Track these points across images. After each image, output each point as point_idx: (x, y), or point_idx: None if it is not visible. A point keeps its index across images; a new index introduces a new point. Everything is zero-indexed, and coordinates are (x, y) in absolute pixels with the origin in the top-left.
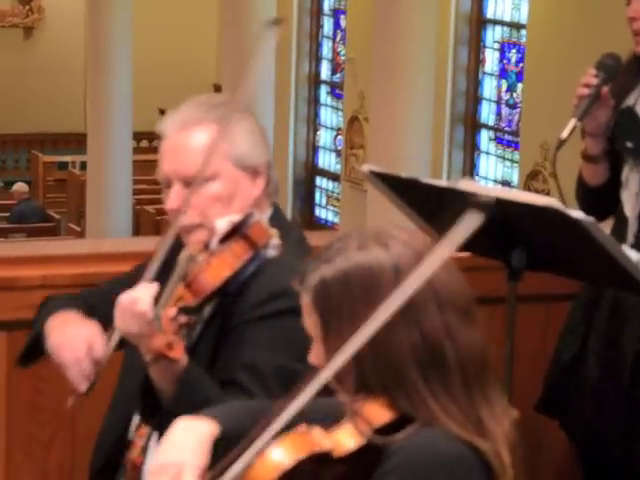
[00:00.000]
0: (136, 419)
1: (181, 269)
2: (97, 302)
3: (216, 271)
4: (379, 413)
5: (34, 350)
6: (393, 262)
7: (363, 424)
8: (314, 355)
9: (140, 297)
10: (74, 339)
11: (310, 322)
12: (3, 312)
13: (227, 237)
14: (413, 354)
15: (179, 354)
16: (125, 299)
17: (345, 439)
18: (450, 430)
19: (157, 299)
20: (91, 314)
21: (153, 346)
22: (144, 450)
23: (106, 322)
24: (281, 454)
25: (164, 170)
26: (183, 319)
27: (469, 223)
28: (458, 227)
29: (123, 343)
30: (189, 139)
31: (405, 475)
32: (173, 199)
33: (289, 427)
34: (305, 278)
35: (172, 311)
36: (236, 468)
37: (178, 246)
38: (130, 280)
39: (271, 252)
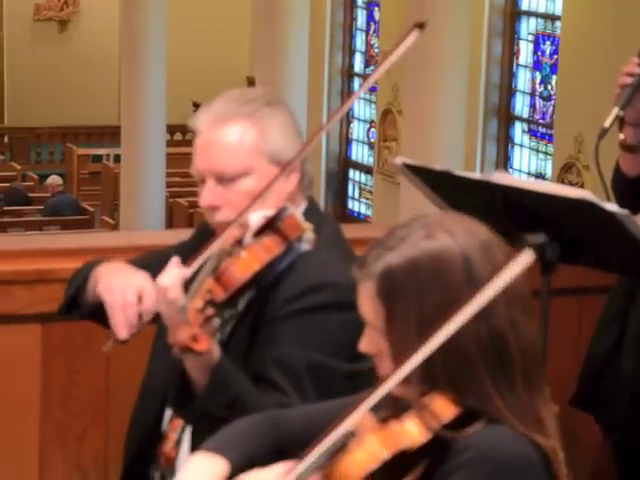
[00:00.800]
0: (169, 411)
1: (212, 263)
2: (151, 262)
3: (245, 265)
4: (447, 407)
5: (75, 303)
6: (461, 250)
7: (431, 418)
8: (367, 342)
9: (170, 285)
10: (126, 284)
11: (369, 310)
12: (37, 304)
13: (261, 231)
14: (480, 348)
15: (204, 347)
16: (159, 282)
17: (414, 433)
18: (515, 428)
19: (186, 290)
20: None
21: (178, 338)
22: (178, 443)
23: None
24: (367, 454)
25: (198, 166)
26: (209, 312)
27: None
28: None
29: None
30: (222, 135)
31: (477, 472)
32: (207, 196)
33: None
34: (366, 265)
35: (199, 303)
36: (311, 460)
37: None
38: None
39: (305, 246)
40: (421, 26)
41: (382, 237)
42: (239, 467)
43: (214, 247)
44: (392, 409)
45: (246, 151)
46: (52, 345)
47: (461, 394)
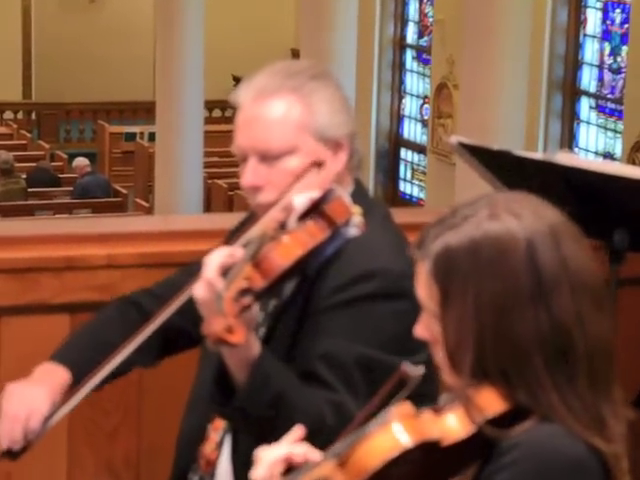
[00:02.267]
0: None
1: (252, 248)
2: (164, 292)
3: (287, 251)
4: (494, 402)
5: None
6: (526, 235)
7: (476, 411)
8: (423, 327)
9: (207, 263)
10: (22, 398)
11: (425, 293)
12: (66, 293)
13: (306, 215)
14: (539, 340)
15: (239, 339)
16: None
17: (454, 426)
18: (571, 428)
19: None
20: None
21: (211, 328)
22: (219, 445)
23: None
24: (391, 441)
25: (239, 143)
26: (246, 301)
27: None
28: None
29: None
30: (265, 110)
31: (524, 471)
32: (249, 175)
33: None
34: (424, 243)
35: (235, 291)
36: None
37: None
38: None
39: (353, 231)
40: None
41: (444, 214)
42: None
43: (254, 231)
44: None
45: (291, 127)
46: None
47: (513, 388)
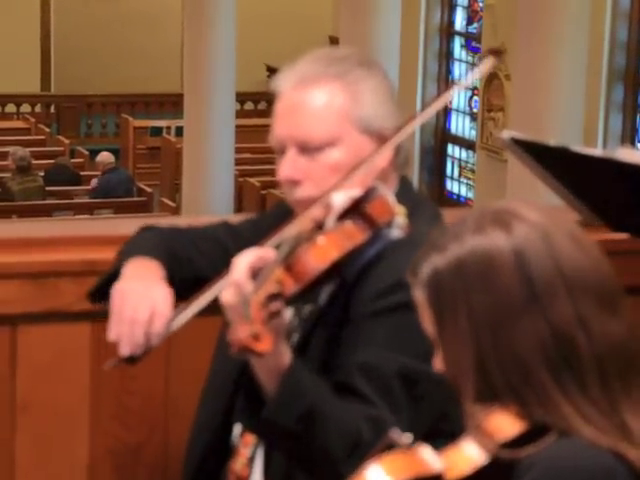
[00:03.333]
0: (239, 424)
1: (285, 249)
2: (207, 249)
3: (322, 253)
4: (507, 424)
5: (107, 287)
6: (514, 244)
7: (487, 438)
8: (437, 361)
9: (236, 264)
10: (142, 296)
11: (427, 322)
12: (85, 300)
13: (345, 214)
14: (541, 350)
15: (265, 348)
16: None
17: (463, 457)
18: (591, 438)
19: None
20: (189, 266)
21: (236, 335)
22: (250, 461)
23: (201, 278)
24: (379, 476)
25: (278, 133)
26: (275, 307)
27: None
28: None
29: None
30: (307, 98)
31: None
32: (287, 167)
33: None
34: (418, 269)
35: (263, 296)
36: None
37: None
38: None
39: (396, 233)
40: (497, 54)
41: (435, 237)
42: None
43: (289, 230)
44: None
45: (334, 117)
46: (103, 347)
47: (524, 405)
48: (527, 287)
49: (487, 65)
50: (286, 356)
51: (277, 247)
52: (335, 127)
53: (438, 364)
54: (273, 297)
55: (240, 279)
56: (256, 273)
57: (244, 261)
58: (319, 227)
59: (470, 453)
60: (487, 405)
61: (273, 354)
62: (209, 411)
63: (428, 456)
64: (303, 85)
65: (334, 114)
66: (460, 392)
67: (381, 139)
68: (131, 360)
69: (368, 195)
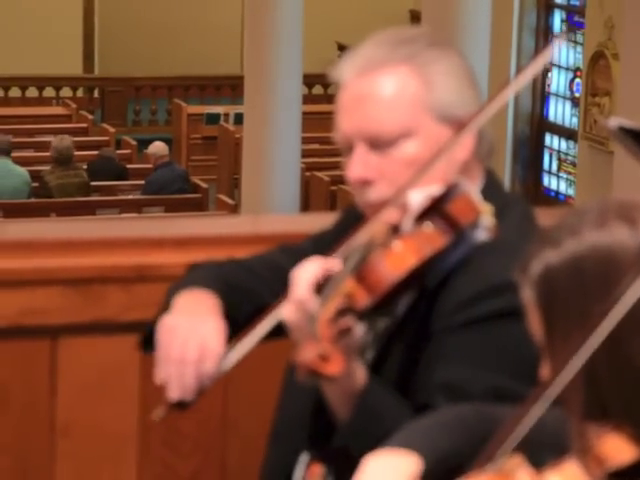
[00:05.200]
0: (305, 455)
1: (356, 257)
2: (244, 282)
3: (398, 260)
4: (619, 449)
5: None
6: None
7: (595, 463)
8: (544, 368)
9: (298, 284)
10: (191, 333)
11: (535, 324)
12: (136, 309)
13: (424, 215)
14: None
15: (336, 370)
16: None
17: None
18: None
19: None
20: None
21: (302, 357)
22: None
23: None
24: None
25: (343, 129)
26: (346, 323)
27: None
28: None
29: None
30: (373, 87)
31: None
32: (357, 167)
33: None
34: (527, 266)
35: (332, 311)
36: None
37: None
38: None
39: (482, 234)
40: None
41: (550, 229)
42: (435, 465)
43: (360, 236)
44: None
45: (407, 106)
46: (154, 362)
47: None
48: None
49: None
50: (360, 377)
51: (347, 257)
52: (408, 117)
53: (545, 372)
54: (344, 312)
55: (302, 295)
56: (321, 287)
57: (305, 274)
58: (395, 231)
59: (574, 478)
60: (597, 423)
61: (345, 376)
62: (280, 452)
63: (525, 478)
64: (368, 72)
65: (406, 102)
66: (567, 407)
67: (461, 128)
68: (182, 406)
69: (449, 192)
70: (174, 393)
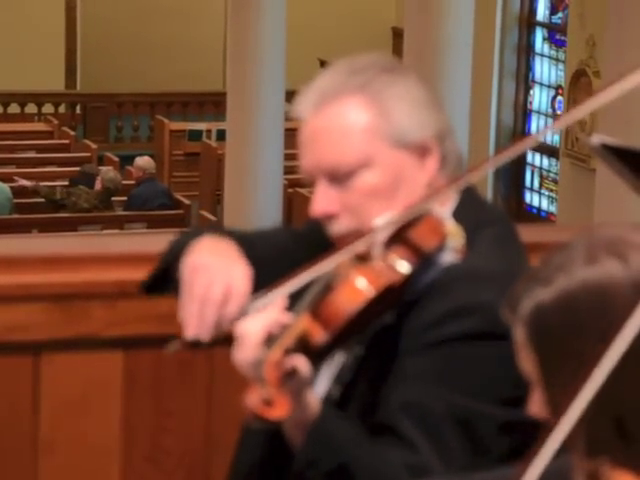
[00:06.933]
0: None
1: (314, 292)
2: (259, 244)
3: (355, 292)
4: None
5: (163, 279)
6: (632, 280)
7: None
8: (533, 404)
9: (246, 329)
10: (217, 273)
11: (527, 362)
12: (118, 325)
13: (390, 242)
14: None
15: (279, 414)
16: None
17: None
18: None
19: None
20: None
21: (247, 401)
22: None
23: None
24: None
25: (304, 164)
26: (290, 363)
27: None
28: None
29: None
30: (327, 121)
31: None
32: (319, 201)
33: None
34: (517, 304)
35: (280, 353)
36: None
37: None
38: (309, 241)
39: (448, 257)
40: None
41: (536, 267)
42: None
43: (324, 267)
44: None
45: (361, 136)
46: (137, 378)
47: None
48: None
49: None
50: (313, 407)
51: (305, 290)
52: (364, 147)
53: (535, 408)
54: (295, 352)
55: (252, 338)
56: (273, 333)
57: (257, 324)
58: (361, 261)
59: None
60: (601, 461)
61: (293, 414)
62: (243, 461)
63: None
64: (322, 106)
65: (360, 133)
66: (567, 443)
67: (422, 151)
68: (196, 345)
69: (413, 218)
70: (191, 331)
